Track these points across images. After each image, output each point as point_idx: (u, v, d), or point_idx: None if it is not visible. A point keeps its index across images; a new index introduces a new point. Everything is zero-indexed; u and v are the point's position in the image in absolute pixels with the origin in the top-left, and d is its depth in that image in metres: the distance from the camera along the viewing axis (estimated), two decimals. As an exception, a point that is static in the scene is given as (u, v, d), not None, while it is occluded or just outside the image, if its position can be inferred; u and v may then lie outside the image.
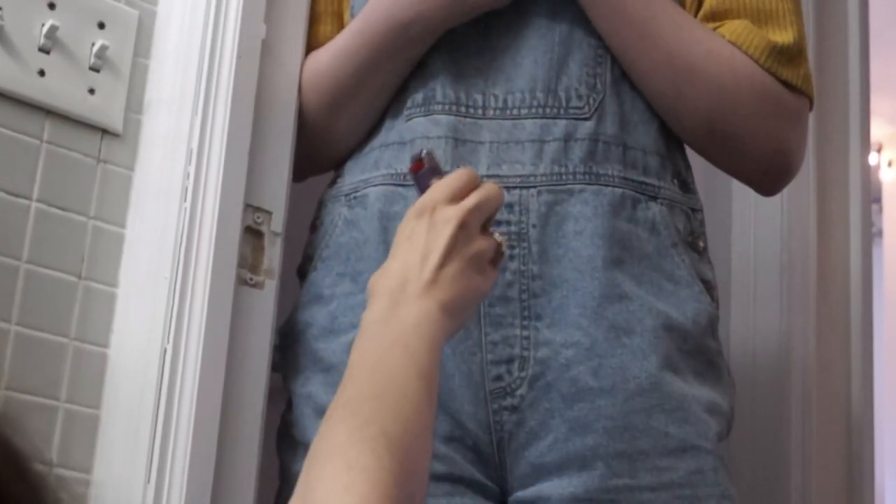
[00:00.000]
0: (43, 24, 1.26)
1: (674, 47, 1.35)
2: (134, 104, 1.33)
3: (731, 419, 1.37)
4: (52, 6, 1.27)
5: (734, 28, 1.38)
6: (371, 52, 1.38)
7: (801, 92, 1.40)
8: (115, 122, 1.31)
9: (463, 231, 1.11)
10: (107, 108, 1.30)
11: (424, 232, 1.10)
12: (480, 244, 1.13)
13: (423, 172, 1.19)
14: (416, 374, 0.98)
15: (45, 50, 1.26)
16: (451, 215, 1.11)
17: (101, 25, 1.30)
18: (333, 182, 1.45)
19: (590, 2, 1.34)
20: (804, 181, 2.08)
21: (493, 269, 1.15)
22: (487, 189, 1.16)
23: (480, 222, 1.13)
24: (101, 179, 1.29)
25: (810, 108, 1.43)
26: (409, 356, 1.00)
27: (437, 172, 1.18)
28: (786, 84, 1.38)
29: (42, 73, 1.26)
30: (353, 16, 1.44)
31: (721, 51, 1.36)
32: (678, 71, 1.35)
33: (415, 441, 0.92)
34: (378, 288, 1.07)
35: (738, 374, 1.48)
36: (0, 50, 1.23)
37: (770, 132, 1.39)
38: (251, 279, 1.33)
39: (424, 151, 1.19)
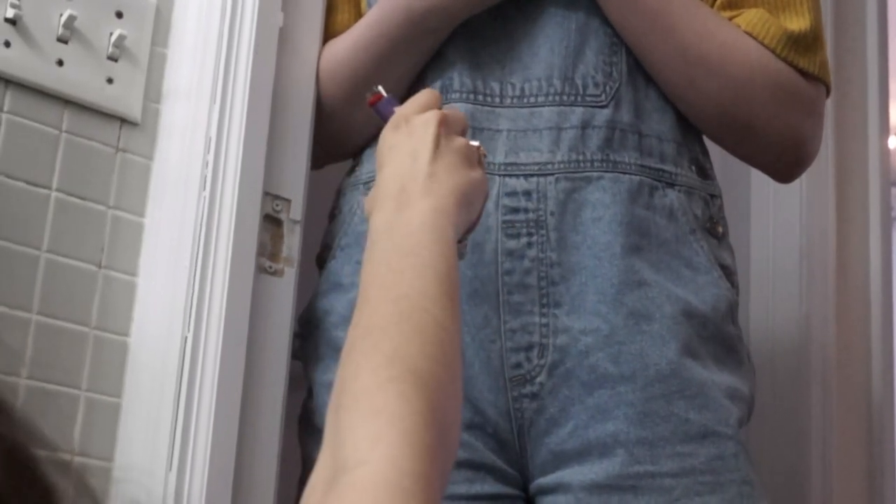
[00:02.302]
0: (61, 15, 1.26)
1: (687, 38, 1.34)
2: (152, 93, 1.33)
3: (752, 405, 1.37)
4: (70, -4, 1.28)
5: (749, 18, 1.37)
6: (388, 43, 1.38)
7: (818, 79, 1.39)
8: (134, 111, 1.31)
9: (443, 128, 1.10)
10: (125, 97, 1.30)
11: (406, 137, 1.09)
12: (463, 140, 1.12)
13: (382, 103, 1.20)
14: (434, 281, 0.94)
15: (63, 40, 1.26)
16: (429, 117, 1.10)
17: (119, 15, 1.31)
18: (352, 170, 1.45)
19: None
20: (823, 166, 2.08)
21: (482, 168, 1.13)
22: (452, 109, 1.16)
23: (454, 130, 1.12)
24: (120, 168, 1.30)
25: (827, 95, 1.43)
26: (423, 264, 0.95)
27: (397, 102, 1.19)
28: (802, 72, 1.38)
29: (61, 63, 1.26)
30: (370, 4, 1.44)
31: (735, 42, 1.35)
32: (691, 63, 1.34)
33: (444, 368, 0.87)
34: (377, 201, 1.05)
35: (757, 360, 1.47)
36: (19, 40, 1.23)
37: (786, 122, 1.39)
38: (270, 267, 1.33)
39: (379, 86, 1.22)
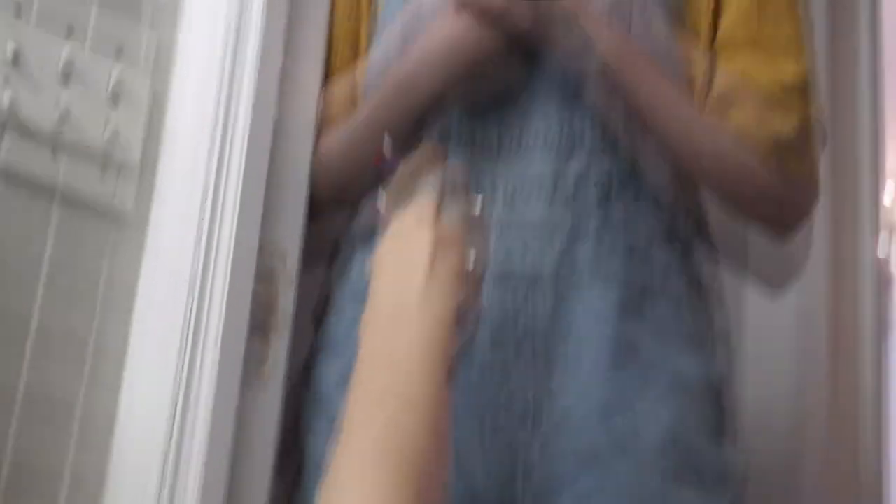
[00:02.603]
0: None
1: (679, 144, 1.35)
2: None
3: (746, 478, 1.36)
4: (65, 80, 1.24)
5: (741, 120, 1.36)
6: (384, 131, 1.35)
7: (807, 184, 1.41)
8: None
9: (440, 247, 1.07)
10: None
11: (403, 249, 1.08)
12: (457, 258, 1.08)
13: (385, 163, 1.20)
14: (423, 366, 0.96)
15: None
16: (426, 236, 1.08)
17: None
18: (350, 221, 1.44)
19: (596, 87, 1.34)
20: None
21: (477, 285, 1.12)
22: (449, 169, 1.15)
23: (453, 242, 1.09)
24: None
25: (817, 196, 1.44)
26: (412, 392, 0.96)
27: (399, 161, 1.19)
28: (791, 177, 1.38)
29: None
30: (370, 42, 1.44)
31: (727, 151, 1.36)
32: (684, 158, 1.36)
33: (435, 449, 0.90)
34: (370, 316, 1.05)
35: (751, 431, 1.47)
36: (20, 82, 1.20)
37: (776, 219, 1.43)
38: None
39: (385, 146, 1.21)
